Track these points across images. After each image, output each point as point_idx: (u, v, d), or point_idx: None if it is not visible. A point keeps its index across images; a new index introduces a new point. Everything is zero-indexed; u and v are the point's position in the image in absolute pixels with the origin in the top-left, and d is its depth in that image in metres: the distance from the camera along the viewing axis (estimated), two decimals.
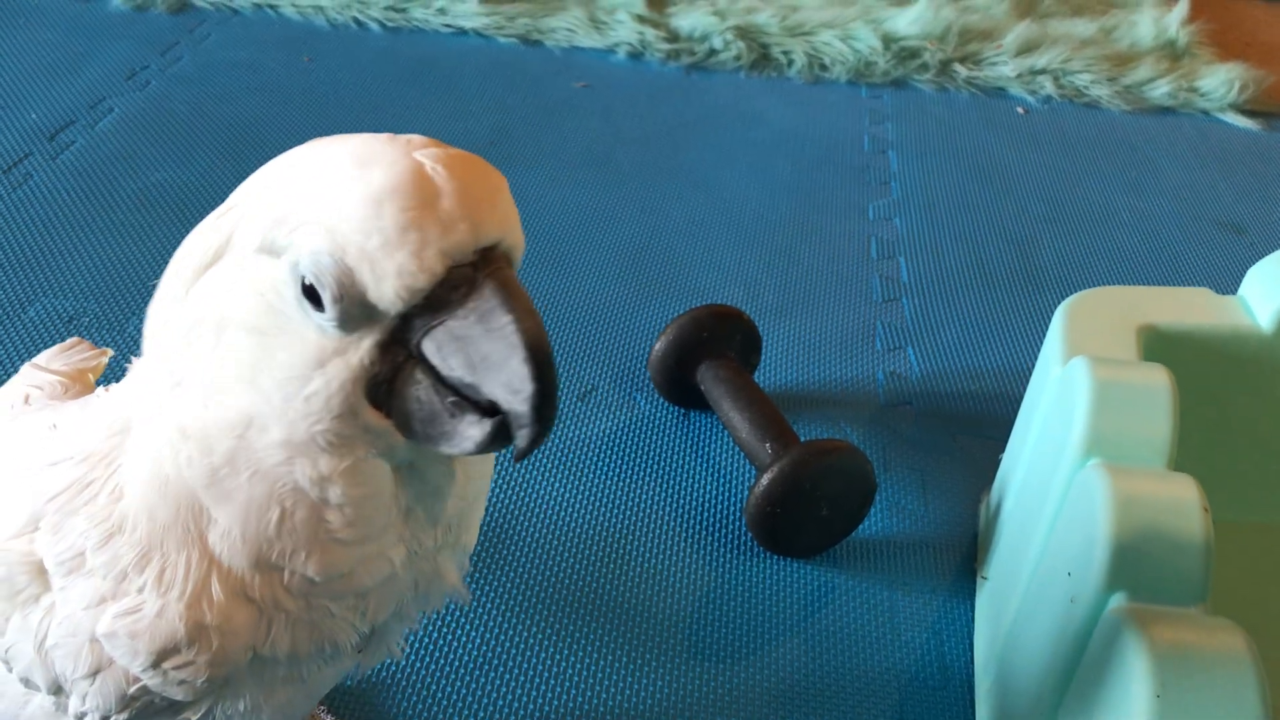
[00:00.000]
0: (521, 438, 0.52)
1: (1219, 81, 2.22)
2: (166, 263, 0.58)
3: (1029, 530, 0.99)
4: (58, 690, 0.64)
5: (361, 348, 0.52)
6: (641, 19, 2.19)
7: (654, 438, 1.30)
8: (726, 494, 1.24)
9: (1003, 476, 1.18)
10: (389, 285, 0.50)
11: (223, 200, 0.56)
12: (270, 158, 0.55)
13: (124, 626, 0.59)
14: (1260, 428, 1.14)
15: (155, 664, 0.59)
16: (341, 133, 0.55)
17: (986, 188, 1.88)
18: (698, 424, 1.33)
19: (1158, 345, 1.07)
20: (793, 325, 1.50)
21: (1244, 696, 0.68)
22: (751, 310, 1.43)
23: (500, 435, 0.52)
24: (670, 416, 1.34)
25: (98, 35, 2.02)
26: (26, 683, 0.66)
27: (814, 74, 2.17)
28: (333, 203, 0.50)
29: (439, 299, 0.51)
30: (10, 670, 0.66)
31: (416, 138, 0.53)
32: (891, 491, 1.25)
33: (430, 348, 0.52)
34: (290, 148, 0.55)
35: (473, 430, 0.53)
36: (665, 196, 1.75)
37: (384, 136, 0.53)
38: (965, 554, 1.19)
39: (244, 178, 0.56)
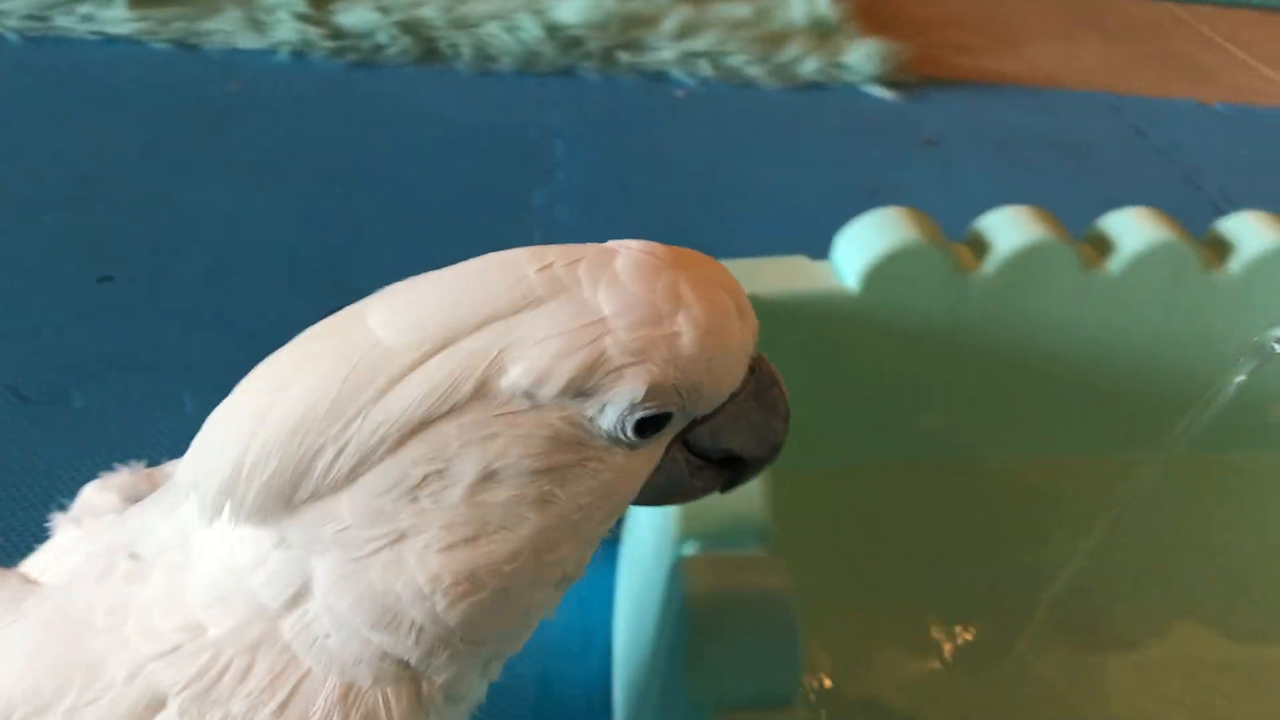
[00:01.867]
0: (754, 475, 0.65)
1: (861, 56, 2.40)
2: None
3: None
4: None
5: (657, 451, 0.59)
6: (303, 17, 2.16)
7: None
8: None
9: None
10: (716, 398, 0.58)
11: None
12: None
13: None
14: (854, 380, 1.26)
15: None
16: None
17: (646, 171, 1.97)
18: None
19: (760, 313, 1.16)
20: None
21: (780, 631, 0.76)
22: None
23: (730, 480, 0.64)
24: None
25: None
26: None
27: (482, 65, 2.21)
28: (662, 343, 0.55)
29: None
30: None
31: (652, 251, 0.57)
32: None
33: (708, 428, 0.60)
34: None
35: (711, 483, 0.64)
36: (333, 199, 1.75)
37: (638, 262, 0.56)
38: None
39: None
